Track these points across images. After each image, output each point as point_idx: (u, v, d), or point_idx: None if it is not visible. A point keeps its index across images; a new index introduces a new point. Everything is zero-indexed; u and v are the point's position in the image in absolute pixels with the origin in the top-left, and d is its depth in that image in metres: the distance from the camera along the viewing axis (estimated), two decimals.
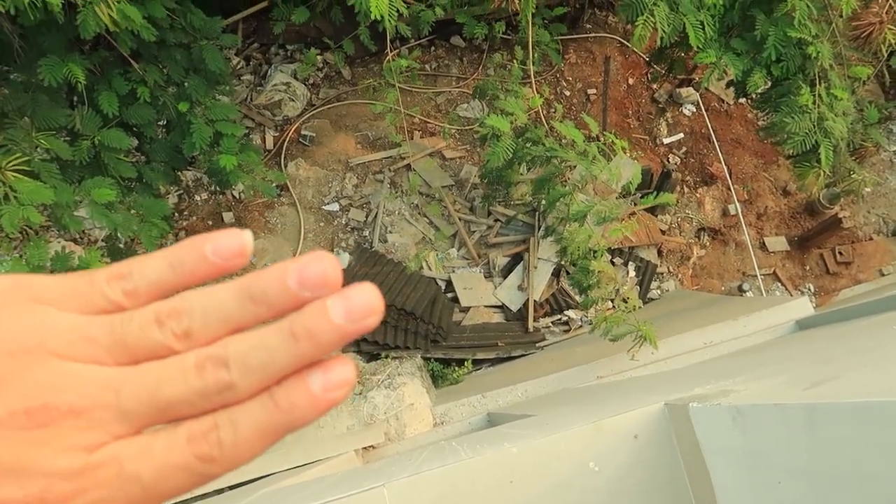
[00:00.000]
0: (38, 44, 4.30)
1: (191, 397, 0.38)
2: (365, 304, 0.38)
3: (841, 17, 4.98)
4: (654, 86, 8.83)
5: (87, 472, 0.37)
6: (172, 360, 0.39)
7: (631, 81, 8.82)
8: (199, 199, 7.14)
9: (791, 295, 7.55)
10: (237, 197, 7.14)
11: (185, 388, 0.38)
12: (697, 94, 8.71)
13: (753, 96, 5.58)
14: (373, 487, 1.26)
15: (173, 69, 4.67)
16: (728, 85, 5.71)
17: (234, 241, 0.41)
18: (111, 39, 4.43)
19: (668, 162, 8.37)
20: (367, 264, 6.69)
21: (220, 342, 0.39)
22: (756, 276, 7.42)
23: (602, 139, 4.56)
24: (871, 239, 8.06)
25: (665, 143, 8.55)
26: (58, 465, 0.37)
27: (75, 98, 4.73)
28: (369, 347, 6.15)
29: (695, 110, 8.79)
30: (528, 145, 4.44)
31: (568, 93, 8.45)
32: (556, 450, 1.08)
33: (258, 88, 7.93)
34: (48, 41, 4.25)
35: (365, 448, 4.57)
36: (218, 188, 7.05)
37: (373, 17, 3.64)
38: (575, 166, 4.44)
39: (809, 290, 7.74)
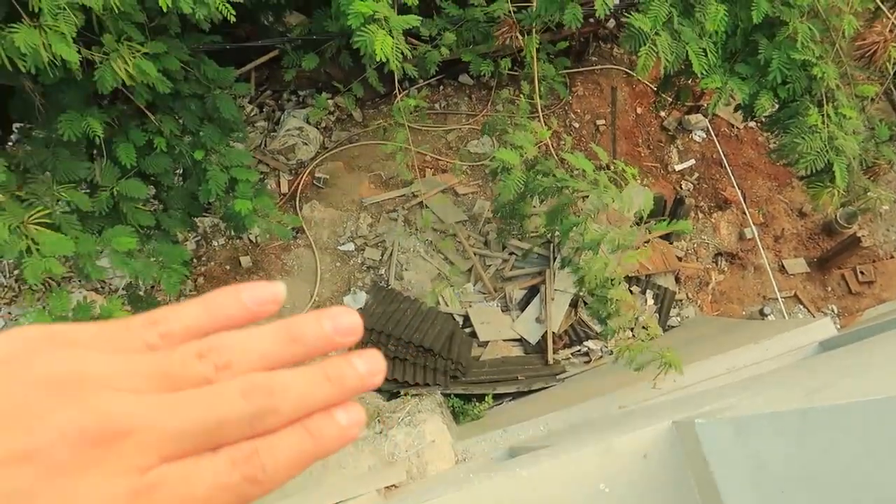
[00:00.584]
0: (58, 100, 4.44)
1: (239, 420, 0.41)
2: (378, 364, 0.46)
3: (844, 37, 5.02)
4: (663, 114, 8.88)
5: (144, 493, 0.38)
6: (219, 387, 0.41)
7: (639, 111, 8.88)
8: (216, 244, 7.24)
9: (814, 317, 7.44)
10: (254, 241, 7.23)
11: (234, 411, 0.41)
12: (706, 119, 8.75)
13: (762, 119, 5.61)
14: None
15: (188, 119, 4.79)
16: (736, 109, 5.74)
17: (268, 290, 0.46)
18: (128, 93, 4.57)
19: (681, 188, 8.37)
20: (384, 302, 6.71)
21: (263, 374, 0.43)
22: (777, 299, 7.34)
23: (612, 168, 4.58)
24: (892, 257, 7.95)
25: (677, 169, 8.56)
26: (116, 486, 0.38)
27: (94, 151, 4.87)
28: (389, 385, 6.14)
29: (705, 136, 8.82)
30: (538, 177, 4.47)
31: (577, 125, 8.52)
32: (565, 472, 1.07)
33: (272, 134, 8.09)
34: (67, 97, 4.39)
35: (387, 487, 4.52)
36: (234, 233, 7.16)
37: (378, 59, 3.73)
38: (587, 196, 4.47)
39: (833, 311, 7.63)
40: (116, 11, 3.68)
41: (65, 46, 3.50)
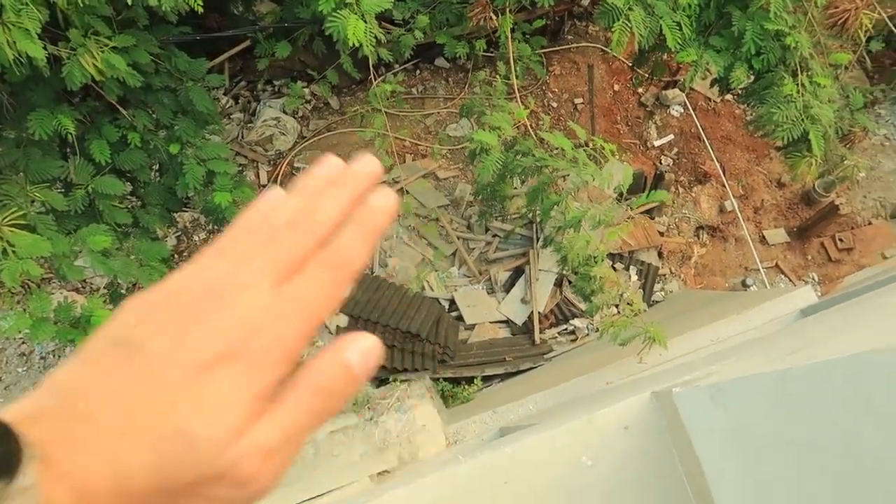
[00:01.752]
0: (27, 98, 4.36)
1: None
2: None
3: (816, 6, 5.03)
4: (640, 90, 8.89)
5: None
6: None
7: (617, 88, 8.88)
8: (197, 239, 7.17)
9: (795, 286, 7.53)
10: None
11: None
12: (683, 94, 8.77)
13: (738, 91, 5.62)
14: (368, 501, 1.26)
15: (162, 112, 4.72)
16: (712, 83, 5.75)
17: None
18: (98, 88, 4.49)
19: (661, 164, 8.40)
20: (368, 290, 6.70)
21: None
22: (759, 270, 7.41)
23: (591, 145, 4.58)
24: (870, 223, 8.05)
25: (656, 145, 8.58)
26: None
27: (67, 149, 4.79)
28: (377, 373, 6.14)
29: (683, 111, 8.84)
30: (517, 157, 4.47)
31: (555, 104, 8.51)
32: (548, 448, 1.08)
33: (248, 125, 8.01)
34: (36, 95, 4.31)
35: (379, 473, 4.54)
36: (216, 226, 7.09)
37: (351, 44, 3.69)
38: (567, 175, 4.47)
39: (814, 279, 7.72)
40: (81, 5, 3.61)
41: (30, 43, 3.43)
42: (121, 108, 4.63)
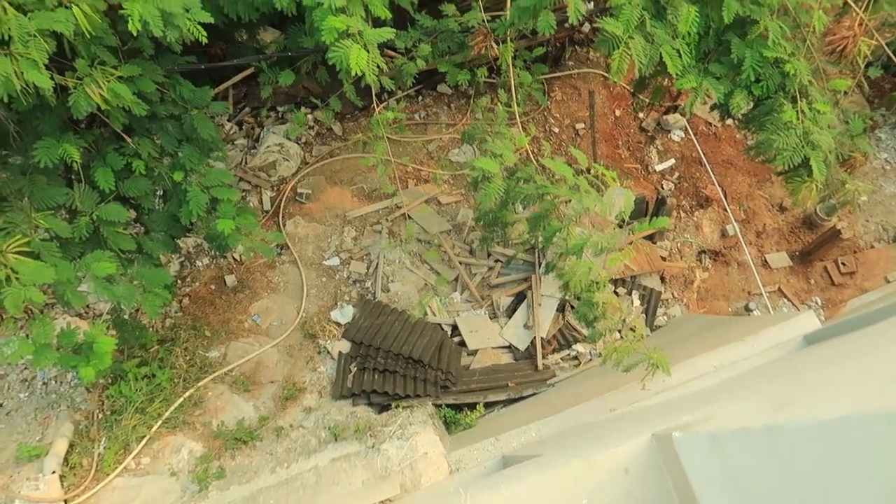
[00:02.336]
0: (34, 127, 4.40)
1: None
2: None
3: (814, 33, 5.08)
4: (641, 115, 8.94)
5: None
6: None
7: (618, 113, 8.94)
8: (200, 264, 7.19)
9: (798, 310, 7.51)
10: (238, 259, 7.19)
11: None
12: (684, 119, 8.82)
13: (739, 117, 5.65)
14: None
15: (166, 140, 4.77)
16: (712, 108, 5.79)
17: None
18: (103, 117, 4.53)
19: (662, 188, 8.42)
20: (371, 315, 6.69)
21: None
22: (762, 294, 7.39)
23: (592, 171, 4.60)
24: (872, 247, 8.04)
25: (657, 170, 8.62)
26: None
27: (72, 176, 4.83)
28: (379, 399, 6.11)
29: (683, 136, 8.88)
30: (519, 184, 4.49)
31: (556, 129, 8.56)
32: (547, 489, 1.07)
33: (252, 151, 8.06)
34: (43, 123, 4.35)
35: (382, 502, 4.50)
36: (218, 252, 7.11)
37: (354, 73, 3.74)
38: (568, 201, 4.49)
39: (817, 303, 7.70)
40: (88, 36, 3.66)
41: (37, 73, 3.47)
42: (126, 137, 4.68)
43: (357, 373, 6.32)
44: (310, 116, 8.29)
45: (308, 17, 3.95)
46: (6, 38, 3.41)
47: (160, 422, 5.77)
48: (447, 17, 5.01)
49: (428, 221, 7.49)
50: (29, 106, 3.82)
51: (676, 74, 4.80)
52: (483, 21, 4.69)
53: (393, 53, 5.62)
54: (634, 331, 4.63)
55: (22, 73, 3.47)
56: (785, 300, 7.76)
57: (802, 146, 4.75)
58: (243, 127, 8.40)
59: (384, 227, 7.46)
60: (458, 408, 6.13)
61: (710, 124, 9.04)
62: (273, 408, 6.16)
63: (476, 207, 6.08)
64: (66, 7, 3.50)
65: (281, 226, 7.46)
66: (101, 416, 5.94)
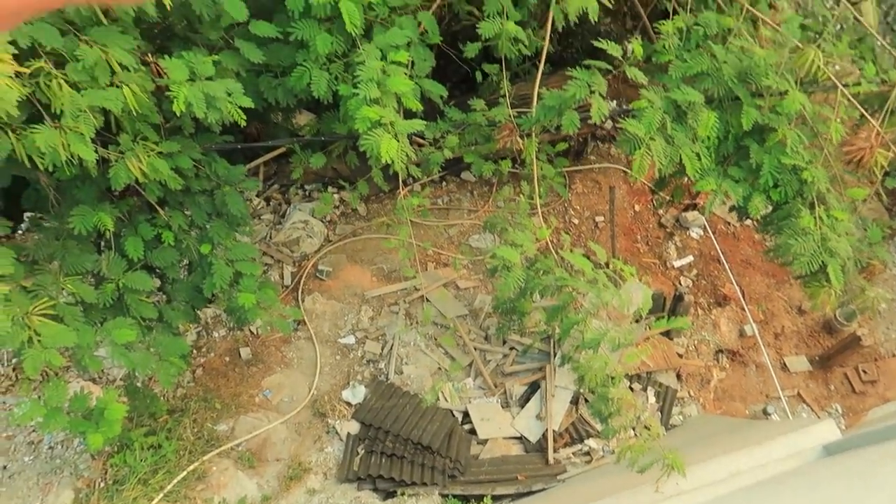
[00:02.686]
0: (72, 194, 4.57)
1: None
2: None
3: (831, 143, 5.20)
4: (660, 211, 9.07)
5: None
6: None
7: (637, 208, 9.08)
8: (217, 335, 7.24)
9: (818, 417, 7.33)
10: (255, 332, 7.24)
11: None
12: (703, 217, 8.92)
13: (757, 219, 5.73)
14: None
15: (197, 214, 4.91)
16: (731, 209, 5.88)
17: None
18: (139, 188, 4.71)
19: (680, 284, 8.43)
20: (383, 397, 6.64)
21: None
22: (780, 398, 7.25)
23: (611, 266, 4.66)
24: (894, 356, 7.91)
25: (675, 266, 8.65)
26: None
27: (102, 243, 4.97)
28: (385, 485, 5.98)
29: (702, 233, 8.96)
30: (538, 275, 4.54)
31: (576, 221, 8.69)
32: None
33: (277, 227, 8.25)
34: (81, 192, 4.52)
35: None
36: (237, 325, 7.17)
37: (384, 161, 3.88)
38: (586, 293, 4.52)
39: (837, 410, 7.52)
40: (134, 113, 3.86)
41: (83, 146, 3.65)
42: (159, 208, 4.84)
43: (364, 455, 6.22)
44: (336, 196, 8.51)
45: (343, 105, 4.15)
46: (58, 112, 3.61)
47: (161, 494, 5.68)
48: (475, 111, 5.21)
49: (445, 305, 7.53)
50: (70, 175, 3.99)
51: (696, 176, 4.91)
52: (510, 116, 4.88)
53: (421, 141, 5.83)
54: (649, 429, 4.55)
55: (69, 145, 3.66)
56: (804, 405, 7.59)
57: (820, 252, 4.78)
58: (271, 203, 8.63)
59: (401, 309, 7.51)
60: (465, 499, 5.98)
61: (729, 223, 9.13)
62: (277, 487, 6.04)
63: (494, 295, 6.12)
64: (118, 86, 3.71)
65: (300, 301, 7.53)
66: (102, 484, 5.86)
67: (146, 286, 4.65)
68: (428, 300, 7.58)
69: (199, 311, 5.75)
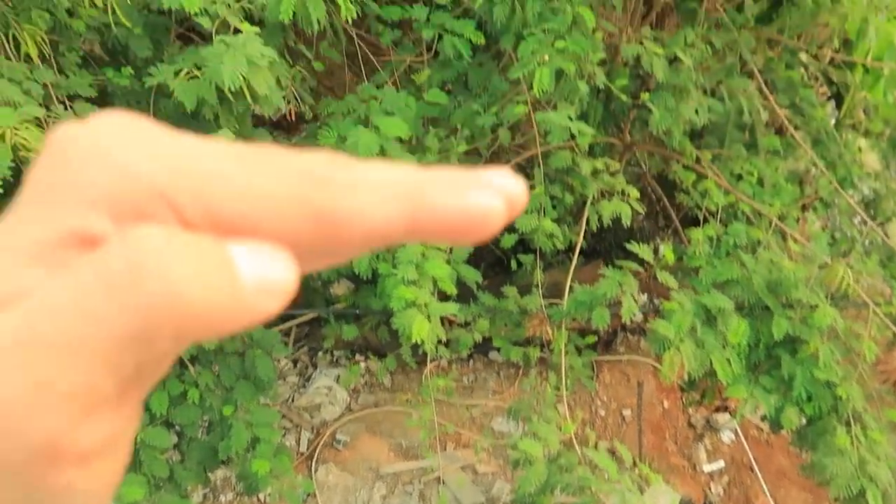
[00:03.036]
0: None
1: None
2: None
3: (865, 361, 5.15)
4: (690, 410, 8.84)
5: None
6: None
7: (666, 405, 8.87)
8: (223, 499, 6.99)
9: None
10: (262, 500, 6.98)
11: None
12: (735, 421, 8.65)
13: (792, 430, 5.55)
14: None
15: (225, 374, 4.99)
16: (763, 418, 5.73)
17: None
18: None
19: (710, 491, 8.00)
20: None
21: None
22: None
23: (637, 469, 4.51)
24: None
25: (706, 470, 8.27)
26: None
27: None
28: None
29: (734, 437, 8.64)
30: (560, 472, 4.41)
31: (603, 412, 8.50)
32: None
33: (301, 390, 8.23)
34: None
35: None
36: (246, 491, 6.95)
37: (414, 340, 3.97)
38: (609, 494, 4.34)
39: None
40: None
41: None
42: (189, 365, 4.93)
43: None
44: (363, 364, 8.55)
45: (381, 282, 4.33)
46: None
47: None
48: (507, 298, 5.36)
49: (462, 491, 7.23)
50: None
51: (727, 382, 4.87)
52: (541, 307, 5.00)
53: (452, 319, 5.95)
54: None
55: None
56: None
57: (858, 476, 4.58)
58: (297, 365, 8.68)
59: (416, 489, 7.22)
60: None
61: (762, 430, 8.82)
62: None
63: (515, 486, 5.89)
64: None
65: (313, 470, 7.32)
66: None
67: (164, 444, 4.63)
68: (444, 482, 7.29)
69: (209, 473, 5.63)
